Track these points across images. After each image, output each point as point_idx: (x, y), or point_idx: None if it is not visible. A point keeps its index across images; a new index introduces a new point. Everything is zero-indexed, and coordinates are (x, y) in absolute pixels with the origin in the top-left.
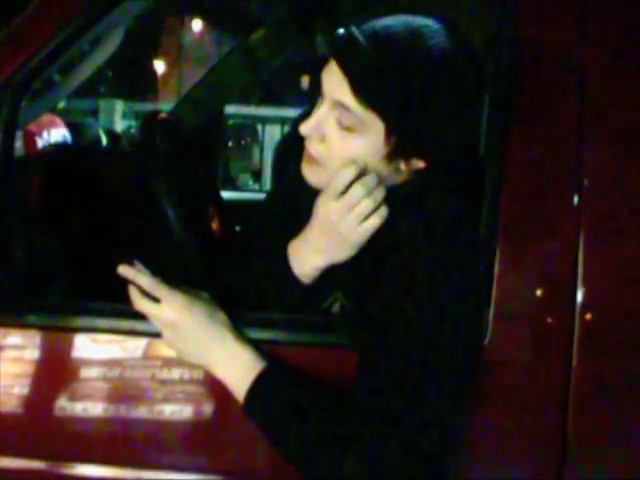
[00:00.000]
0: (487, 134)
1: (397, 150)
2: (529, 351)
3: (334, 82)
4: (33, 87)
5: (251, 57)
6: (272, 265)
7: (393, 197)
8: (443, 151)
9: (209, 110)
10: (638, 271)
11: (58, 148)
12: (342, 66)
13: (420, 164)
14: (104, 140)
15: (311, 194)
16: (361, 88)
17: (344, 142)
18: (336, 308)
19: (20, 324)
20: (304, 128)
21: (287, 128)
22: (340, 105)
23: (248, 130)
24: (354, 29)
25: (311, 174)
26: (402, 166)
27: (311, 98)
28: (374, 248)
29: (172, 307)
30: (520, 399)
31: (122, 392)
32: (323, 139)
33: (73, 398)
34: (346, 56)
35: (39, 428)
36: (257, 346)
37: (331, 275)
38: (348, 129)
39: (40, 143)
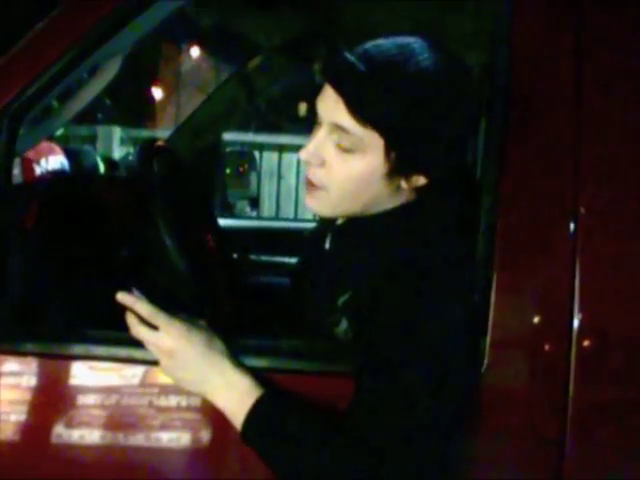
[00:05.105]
0: (483, 159)
1: (397, 166)
2: (526, 378)
3: (330, 105)
4: (31, 114)
5: (248, 84)
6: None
7: (393, 221)
8: (441, 163)
9: (206, 137)
10: (635, 297)
11: (56, 175)
12: (336, 87)
13: (421, 180)
14: (102, 167)
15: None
16: (357, 106)
17: (344, 164)
18: (341, 329)
19: (17, 352)
20: (303, 154)
21: (284, 155)
22: (338, 127)
23: (245, 157)
24: (344, 51)
25: (313, 200)
26: (403, 184)
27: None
28: (373, 275)
29: (170, 335)
30: (518, 426)
31: (119, 420)
32: (323, 164)
33: (70, 426)
34: (339, 77)
35: (36, 455)
36: (255, 374)
37: (336, 295)
38: (347, 151)
39: (38, 170)
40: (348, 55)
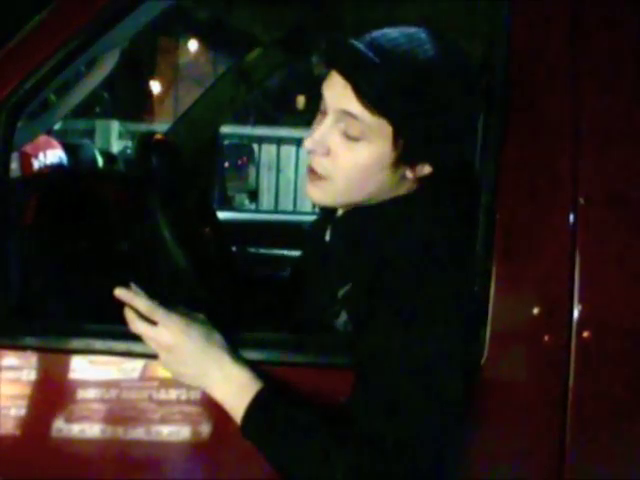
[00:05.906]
0: (482, 153)
1: (404, 155)
2: (526, 370)
3: (337, 92)
4: (29, 108)
5: (246, 77)
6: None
7: (393, 211)
8: (447, 151)
9: (205, 130)
10: (635, 288)
11: (54, 170)
12: (344, 73)
13: (425, 170)
14: (100, 161)
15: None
16: (368, 93)
17: (351, 153)
18: (341, 321)
19: (16, 346)
20: (308, 143)
21: (283, 148)
22: (346, 114)
23: (244, 150)
24: (351, 39)
25: (315, 189)
26: (408, 174)
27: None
28: (373, 266)
29: (169, 330)
30: (518, 418)
31: (119, 413)
32: (328, 153)
33: (70, 420)
34: (347, 63)
35: (36, 450)
36: (254, 367)
37: (336, 287)
38: (354, 139)
39: (36, 165)
40: (357, 43)
